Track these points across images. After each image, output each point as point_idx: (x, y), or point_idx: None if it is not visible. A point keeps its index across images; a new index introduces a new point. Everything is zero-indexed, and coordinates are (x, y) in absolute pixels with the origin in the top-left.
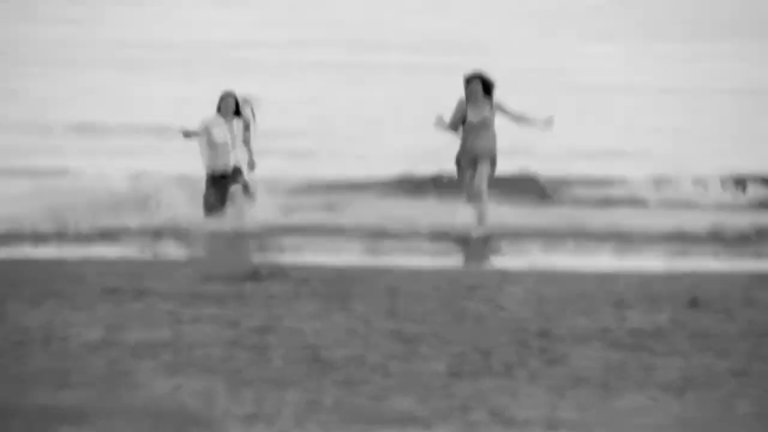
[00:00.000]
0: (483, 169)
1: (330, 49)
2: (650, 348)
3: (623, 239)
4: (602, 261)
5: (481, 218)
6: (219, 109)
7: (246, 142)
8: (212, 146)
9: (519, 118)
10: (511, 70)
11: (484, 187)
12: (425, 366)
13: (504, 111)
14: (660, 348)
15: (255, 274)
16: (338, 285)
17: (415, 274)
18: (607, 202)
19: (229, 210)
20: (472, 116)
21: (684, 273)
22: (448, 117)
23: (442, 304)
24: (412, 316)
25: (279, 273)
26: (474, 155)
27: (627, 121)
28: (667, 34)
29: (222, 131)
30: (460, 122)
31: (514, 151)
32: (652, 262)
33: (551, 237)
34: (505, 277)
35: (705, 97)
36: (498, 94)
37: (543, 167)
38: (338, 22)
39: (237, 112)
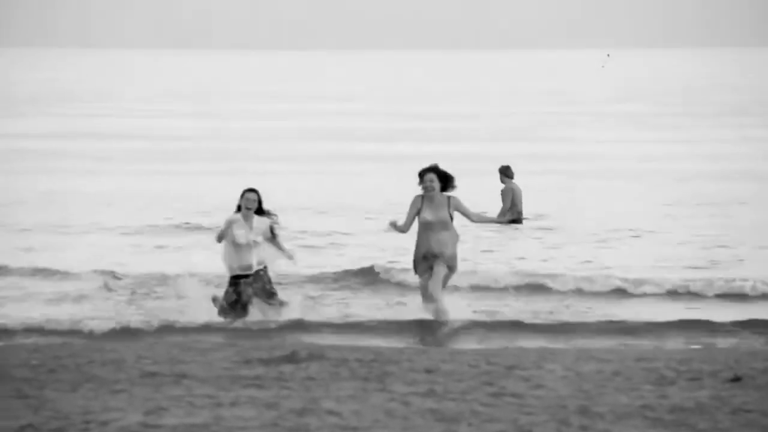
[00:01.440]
0: (438, 273)
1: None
2: (692, 425)
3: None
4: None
5: (437, 318)
6: (239, 208)
7: (272, 238)
8: (234, 247)
9: (480, 219)
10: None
11: (438, 294)
12: None
13: (462, 212)
14: (702, 425)
15: (293, 356)
16: (376, 365)
17: (453, 354)
18: None
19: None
20: (428, 214)
21: (725, 348)
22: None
23: (480, 382)
24: (451, 395)
25: (317, 354)
26: (429, 257)
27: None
28: None
29: (244, 232)
30: (412, 221)
31: None
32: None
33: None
34: (544, 355)
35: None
36: (457, 193)
37: None
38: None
39: (260, 210)
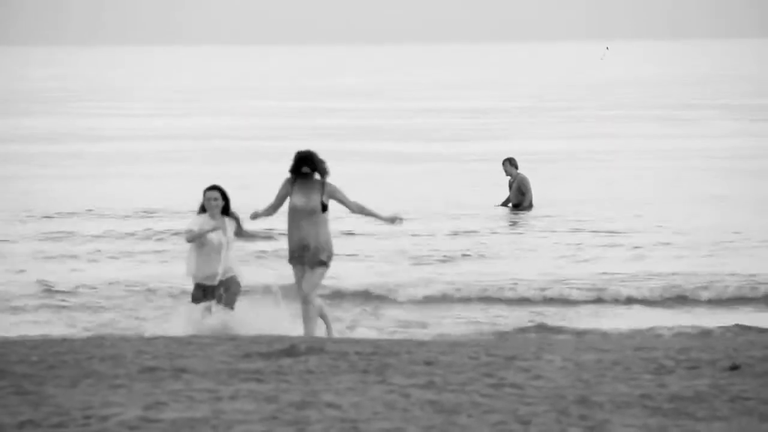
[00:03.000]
0: (310, 272)
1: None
2: (691, 414)
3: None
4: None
5: (306, 326)
6: (202, 209)
7: (245, 235)
8: (198, 252)
9: (361, 210)
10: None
11: (312, 295)
12: None
13: (339, 200)
14: (701, 413)
15: (292, 349)
16: (376, 358)
17: (453, 345)
18: None
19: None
20: (298, 199)
21: (724, 337)
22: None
23: (480, 374)
24: (451, 387)
25: (316, 347)
26: (300, 250)
27: None
28: None
29: (216, 235)
30: (279, 205)
31: None
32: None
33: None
34: (543, 345)
35: None
36: (332, 180)
37: None
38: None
39: (226, 209)
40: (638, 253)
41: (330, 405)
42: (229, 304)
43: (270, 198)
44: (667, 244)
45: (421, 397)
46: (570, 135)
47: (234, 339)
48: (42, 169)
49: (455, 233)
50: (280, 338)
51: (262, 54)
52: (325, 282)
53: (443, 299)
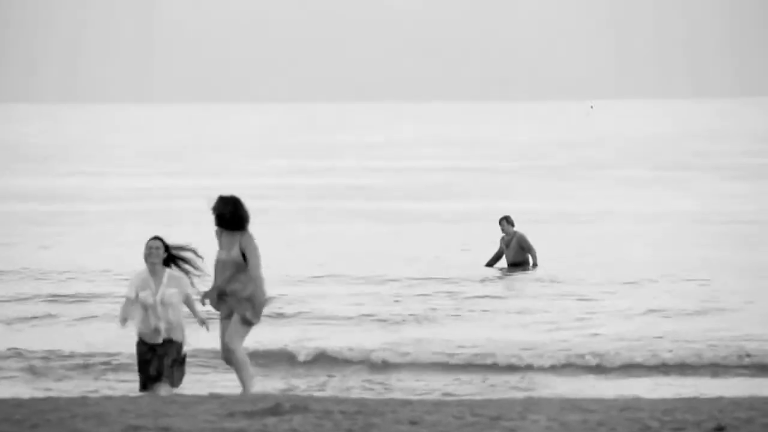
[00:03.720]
0: (233, 322)
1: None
2: None
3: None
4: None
5: (242, 382)
6: (146, 260)
7: (188, 302)
8: (141, 308)
9: (253, 275)
10: None
11: (234, 346)
12: None
13: (244, 253)
14: None
15: (277, 408)
16: (360, 417)
17: (437, 405)
18: None
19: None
20: (221, 252)
21: (709, 398)
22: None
23: None
24: None
25: (300, 406)
26: (223, 301)
27: None
28: None
29: (149, 291)
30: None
31: None
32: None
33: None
34: (528, 405)
35: None
36: (248, 237)
37: None
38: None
39: (169, 261)
40: (626, 316)
41: None
42: (175, 382)
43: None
44: (653, 310)
45: None
46: (563, 194)
47: (218, 397)
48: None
49: (451, 293)
50: (264, 397)
51: (232, 111)
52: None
53: (429, 366)
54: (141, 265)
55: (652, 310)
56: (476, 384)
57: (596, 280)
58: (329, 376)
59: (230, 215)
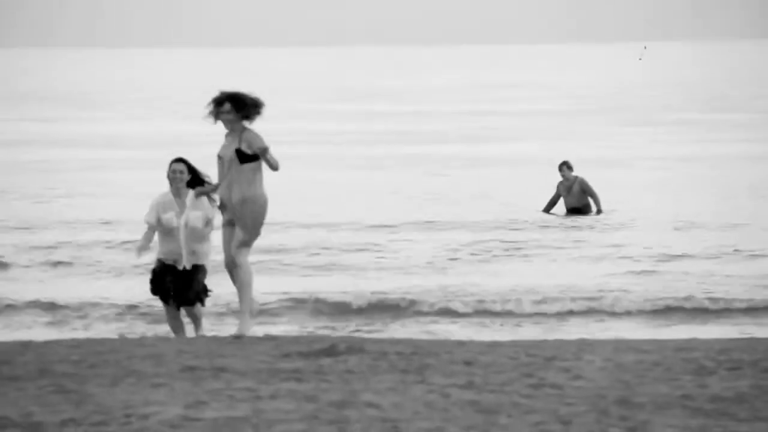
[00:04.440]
0: (237, 229)
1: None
2: (733, 414)
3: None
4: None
5: (240, 301)
6: (171, 184)
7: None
8: (164, 234)
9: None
10: None
11: (238, 255)
12: None
13: (260, 154)
14: (743, 414)
15: (332, 349)
16: (415, 358)
17: (492, 346)
18: None
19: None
20: (223, 149)
21: (765, 339)
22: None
23: (520, 374)
24: (491, 387)
25: (356, 347)
26: (226, 204)
27: None
28: None
29: (173, 214)
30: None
31: None
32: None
33: None
34: (583, 346)
35: None
36: (257, 131)
37: None
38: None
39: (194, 182)
40: (685, 258)
41: (370, 405)
42: (198, 325)
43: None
44: (717, 257)
45: (461, 397)
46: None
47: (274, 339)
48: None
49: (505, 242)
50: (320, 338)
51: (265, 56)
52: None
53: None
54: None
55: (711, 255)
56: (531, 328)
57: (654, 224)
58: (384, 322)
59: (240, 103)
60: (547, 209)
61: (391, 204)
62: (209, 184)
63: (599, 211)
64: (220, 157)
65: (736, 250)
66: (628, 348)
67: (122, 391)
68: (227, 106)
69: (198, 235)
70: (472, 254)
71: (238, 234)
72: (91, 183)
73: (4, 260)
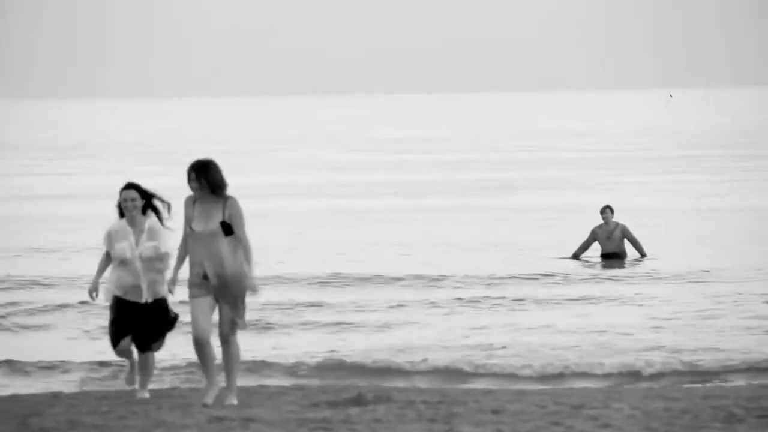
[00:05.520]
0: (224, 307)
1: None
2: None
3: None
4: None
5: (231, 370)
6: (121, 213)
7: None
8: (118, 265)
9: (245, 252)
10: None
11: (231, 334)
12: None
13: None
14: None
15: (360, 398)
16: (443, 407)
17: (519, 394)
18: None
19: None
20: (198, 223)
21: None
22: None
23: (547, 422)
24: None
25: (383, 396)
26: (211, 278)
27: None
28: None
29: (127, 244)
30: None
31: None
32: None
33: None
34: (611, 393)
35: None
36: (236, 204)
37: None
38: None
39: (148, 206)
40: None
41: None
42: (159, 346)
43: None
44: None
45: None
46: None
47: (301, 388)
48: None
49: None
50: (347, 387)
51: (258, 106)
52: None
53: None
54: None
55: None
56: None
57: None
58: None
59: (213, 180)
60: (578, 254)
61: (440, 256)
62: (166, 203)
63: (644, 255)
64: (194, 230)
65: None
66: (657, 395)
67: None
68: (203, 180)
69: (156, 267)
70: (495, 306)
71: (228, 312)
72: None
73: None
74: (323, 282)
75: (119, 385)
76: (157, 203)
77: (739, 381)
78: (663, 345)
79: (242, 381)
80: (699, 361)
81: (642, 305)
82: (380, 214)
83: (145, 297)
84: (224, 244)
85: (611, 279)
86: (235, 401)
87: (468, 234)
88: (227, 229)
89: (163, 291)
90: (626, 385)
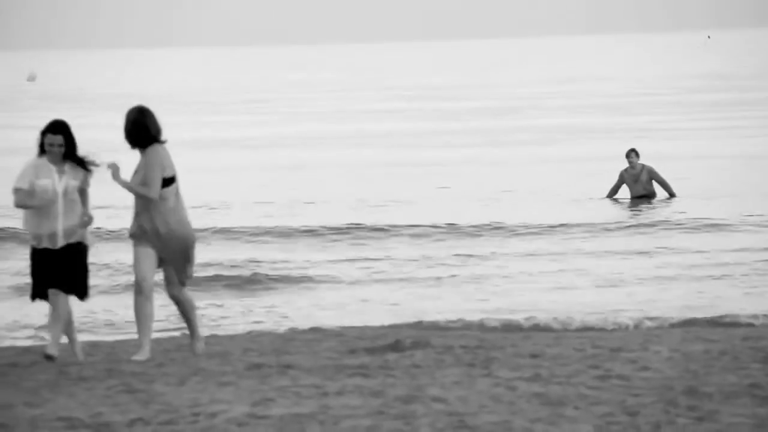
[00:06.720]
0: (169, 269)
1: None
2: None
3: None
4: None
5: (191, 328)
6: (42, 150)
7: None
8: (37, 208)
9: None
10: None
11: (182, 290)
12: (572, 428)
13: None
14: None
15: (398, 344)
16: (481, 351)
17: (558, 338)
18: None
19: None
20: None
21: None
22: None
23: (586, 365)
24: (557, 379)
25: (421, 341)
26: (151, 235)
27: None
28: None
29: (50, 182)
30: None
31: None
32: None
33: None
34: (649, 336)
35: None
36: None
37: None
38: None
39: (71, 154)
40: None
41: (436, 399)
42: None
43: None
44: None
45: (528, 389)
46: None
47: (339, 335)
48: None
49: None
50: (384, 333)
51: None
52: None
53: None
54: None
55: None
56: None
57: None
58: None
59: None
60: (611, 195)
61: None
62: (91, 162)
63: (673, 195)
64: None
65: None
66: (696, 338)
67: (189, 390)
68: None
69: (78, 207)
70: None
71: (174, 273)
72: None
73: None
74: (382, 232)
75: (156, 333)
76: (84, 156)
77: None
78: (701, 291)
79: (276, 326)
80: (734, 308)
81: (668, 255)
82: (422, 166)
83: (63, 240)
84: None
85: (636, 226)
86: (203, 346)
87: (519, 182)
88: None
89: (86, 236)
90: (665, 328)
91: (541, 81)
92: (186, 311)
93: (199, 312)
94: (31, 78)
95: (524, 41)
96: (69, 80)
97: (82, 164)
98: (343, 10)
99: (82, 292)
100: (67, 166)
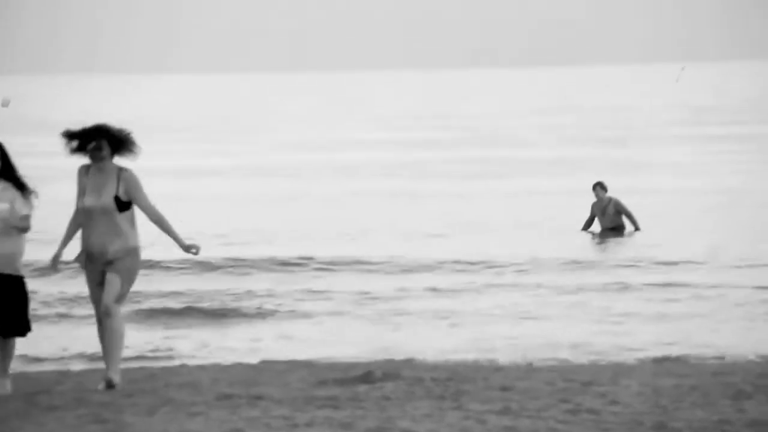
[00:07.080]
0: (111, 280)
1: None
2: None
3: None
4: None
5: (109, 357)
6: None
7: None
8: None
9: (157, 221)
10: None
11: (115, 307)
12: None
13: (133, 198)
14: None
15: (368, 376)
16: (452, 384)
17: (528, 371)
18: None
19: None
20: (90, 198)
21: None
22: None
23: (556, 399)
24: (527, 413)
25: (392, 373)
26: (97, 257)
27: None
28: None
29: None
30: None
31: None
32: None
33: None
34: (619, 370)
35: None
36: (133, 174)
37: None
38: None
39: (8, 173)
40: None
41: (406, 431)
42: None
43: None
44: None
45: (498, 423)
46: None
47: (309, 366)
48: None
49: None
50: (355, 364)
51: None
52: None
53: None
54: None
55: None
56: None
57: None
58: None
59: (117, 141)
60: (585, 228)
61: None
62: (24, 186)
63: (638, 229)
64: (85, 206)
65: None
66: (666, 372)
67: (159, 420)
68: (101, 142)
69: (9, 234)
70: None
71: (116, 286)
72: None
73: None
74: (370, 270)
75: (126, 363)
76: (19, 175)
77: (748, 357)
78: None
79: (248, 358)
80: (705, 342)
81: (641, 290)
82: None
83: None
84: (120, 220)
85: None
86: (117, 379)
87: (504, 214)
88: (122, 205)
89: (17, 267)
90: (636, 362)
91: (519, 112)
92: None
93: (167, 342)
94: (4, 103)
95: (500, 72)
96: (42, 106)
97: (20, 185)
98: (348, 36)
99: (22, 329)
100: (0, 188)
